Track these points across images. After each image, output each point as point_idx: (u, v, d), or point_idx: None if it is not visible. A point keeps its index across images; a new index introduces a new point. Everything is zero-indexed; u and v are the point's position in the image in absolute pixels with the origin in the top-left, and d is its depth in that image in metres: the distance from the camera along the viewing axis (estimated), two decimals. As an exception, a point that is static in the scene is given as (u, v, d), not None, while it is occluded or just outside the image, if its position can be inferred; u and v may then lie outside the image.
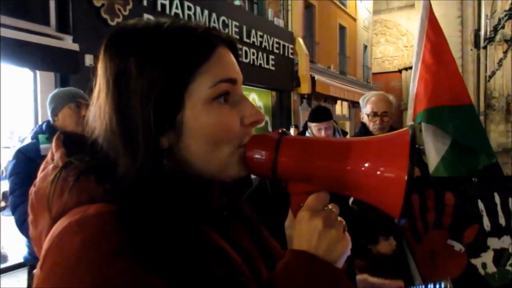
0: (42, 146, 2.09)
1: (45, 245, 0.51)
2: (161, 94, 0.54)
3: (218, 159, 0.59)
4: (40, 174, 0.60)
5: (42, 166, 0.61)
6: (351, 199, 2.21)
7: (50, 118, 2.22)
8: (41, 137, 2.12)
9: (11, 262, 4.63)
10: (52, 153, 0.61)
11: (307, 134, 3.33)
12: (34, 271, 0.51)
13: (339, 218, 0.59)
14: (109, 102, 0.56)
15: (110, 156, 0.57)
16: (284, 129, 0.62)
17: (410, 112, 2.45)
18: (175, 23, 0.59)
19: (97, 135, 0.58)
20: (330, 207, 0.59)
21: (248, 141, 0.61)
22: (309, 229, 0.56)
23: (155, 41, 0.56)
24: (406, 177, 0.51)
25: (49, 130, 2.18)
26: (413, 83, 2.45)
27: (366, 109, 2.53)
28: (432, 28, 2.44)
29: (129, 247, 0.48)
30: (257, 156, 0.59)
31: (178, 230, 0.53)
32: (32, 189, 0.59)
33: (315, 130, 3.25)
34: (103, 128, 0.57)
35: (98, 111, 0.58)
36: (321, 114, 3.28)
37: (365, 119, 2.55)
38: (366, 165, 0.54)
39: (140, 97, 0.54)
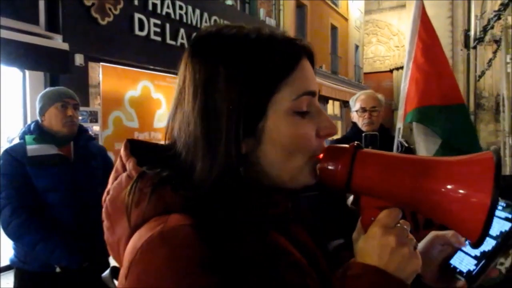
0: (28, 147, 2.05)
1: (128, 256, 0.53)
2: (247, 102, 0.57)
3: (292, 168, 0.61)
4: (112, 183, 0.62)
5: (113, 175, 0.63)
6: (351, 198, 2.21)
7: (38, 118, 2.19)
8: (27, 137, 2.09)
9: (2, 263, 4.57)
10: (122, 162, 0.62)
11: None
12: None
13: (410, 236, 0.59)
14: (196, 107, 0.58)
15: (187, 163, 0.58)
16: (359, 143, 0.62)
17: (400, 112, 2.45)
18: (262, 32, 0.61)
19: (177, 142, 0.61)
20: (401, 224, 0.59)
21: (323, 152, 0.62)
22: (381, 245, 0.56)
23: (244, 50, 0.58)
24: (489, 203, 0.49)
25: (37, 130, 2.15)
26: (404, 83, 2.46)
27: (355, 107, 2.55)
28: (424, 27, 2.45)
29: (209, 259, 0.50)
30: (331, 168, 0.60)
31: (253, 237, 0.55)
32: (106, 197, 0.61)
33: None
34: (186, 134, 0.59)
35: (182, 121, 0.60)
36: None
37: (355, 117, 2.57)
38: (448, 186, 0.53)
39: (227, 103, 0.56)
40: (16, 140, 2.21)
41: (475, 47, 12.93)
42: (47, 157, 2.06)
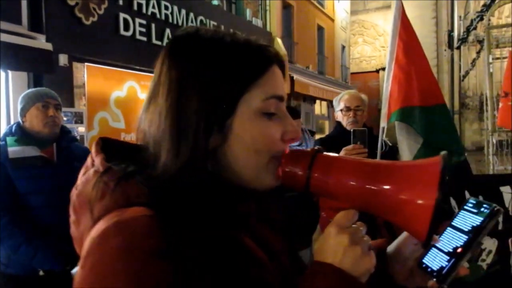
0: (10, 149, 2.02)
1: (86, 246, 0.54)
2: (218, 99, 0.60)
3: (255, 167, 0.64)
4: (81, 178, 0.64)
5: (82, 171, 0.65)
6: None
7: (19, 119, 2.15)
8: (9, 139, 2.06)
9: None
10: (92, 158, 0.64)
11: None
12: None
13: (366, 237, 0.61)
14: (169, 100, 0.61)
15: (153, 156, 0.61)
16: (319, 147, 0.66)
17: (384, 111, 2.48)
18: (237, 37, 0.66)
19: (149, 137, 0.63)
20: (358, 225, 0.61)
21: (284, 155, 0.65)
22: (335, 244, 0.59)
23: (219, 52, 0.62)
24: (433, 205, 0.53)
25: (19, 131, 2.12)
26: (387, 82, 2.48)
27: (339, 107, 2.57)
28: (404, 28, 2.48)
29: (164, 248, 0.51)
30: (291, 170, 0.64)
31: (213, 231, 0.57)
32: (74, 192, 0.64)
33: None
34: (156, 125, 0.61)
35: (154, 113, 0.62)
36: (290, 113, 3.30)
37: (339, 116, 2.59)
38: (396, 189, 0.57)
39: (199, 98, 0.60)
40: (-1, 142, 2.17)
41: (458, 48, 13.12)
42: (29, 159, 2.03)
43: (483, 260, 1.66)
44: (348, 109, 2.51)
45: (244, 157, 0.63)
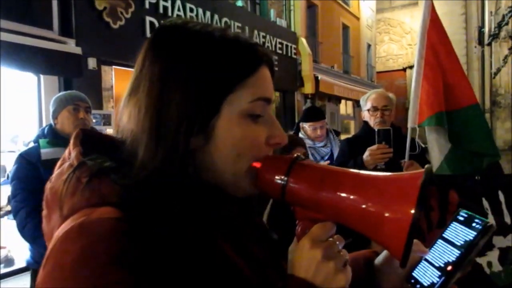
0: (42, 151, 2.08)
1: (50, 245, 0.52)
2: (203, 97, 0.57)
3: (236, 170, 0.60)
4: (56, 171, 0.60)
5: (59, 163, 0.61)
6: None
7: (51, 121, 2.22)
8: (41, 141, 2.12)
9: (17, 265, 4.65)
10: (69, 150, 0.61)
11: (300, 135, 3.30)
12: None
13: (342, 251, 0.58)
14: (149, 98, 0.57)
15: (131, 152, 0.57)
16: (299, 154, 0.62)
17: (413, 112, 2.38)
18: (226, 33, 0.61)
19: (127, 132, 0.59)
20: (334, 239, 0.58)
21: (262, 160, 0.61)
22: (308, 259, 0.56)
23: (207, 48, 0.58)
24: (409, 223, 0.49)
25: (51, 133, 2.18)
26: (416, 82, 2.41)
27: (366, 106, 2.52)
28: (434, 27, 2.41)
29: (127, 256, 0.48)
30: (268, 176, 0.60)
31: (185, 236, 0.54)
32: (48, 185, 0.60)
33: (309, 130, 3.23)
34: (135, 120, 0.58)
35: (134, 107, 0.59)
36: (315, 114, 3.28)
37: (366, 116, 2.54)
38: (372, 203, 0.53)
39: (182, 96, 0.56)
40: (32, 144, 2.25)
41: (489, 44, 12.73)
42: (61, 160, 2.09)
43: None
44: (375, 109, 2.46)
45: (226, 160, 0.59)
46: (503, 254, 1.60)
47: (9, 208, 5.01)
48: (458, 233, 0.65)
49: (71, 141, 0.62)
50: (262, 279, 0.61)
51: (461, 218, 0.68)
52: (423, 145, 2.44)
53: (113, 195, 0.54)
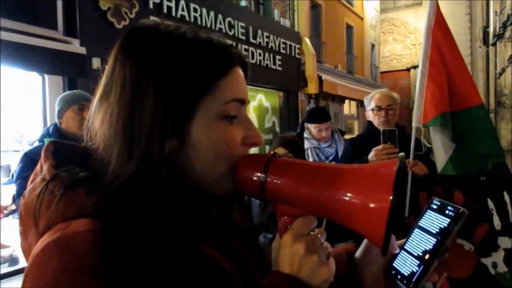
0: (48, 149, 2.09)
1: (28, 263, 0.51)
2: (176, 101, 0.56)
3: (213, 172, 0.60)
4: (29, 186, 0.59)
5: (31, 178, 0.60)
6: None
7: (56, 121, 2.23)
8: (46, 140, 2.13)
9: (21, 264, 4.67)
10: (41, 164, 0.59)
11: (305, 135, 3.30)
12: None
13: (325, 244, 0.59)
14: (122, 100, 0.56)
15: (104, 160, 0.56)
16: (276, 152, 0.63)
17: (418, 112, 2.37)
18: (198, 33, 0.60)
19: (99, 138, 0.58)
20: (316, 232, 0.59)
21: (240, 159, 0.61)
22: (291, 254, 0.56)
23: (178, 49, 0.57)
24: (388, 209, 0.49)
25: (56, 133, 2.19)
26: (421, 82, 2.40)
27: (370, 106, 2.51)
28: (439, 27, 2.40)
29: (106, 269, 0.47)
30: (247, 175, 0.60)
31: (165, 241, 0.53)
32: (22, 201, 0.58)
33: (314, 131, 3.22)
34: (107, 126, 0.57)
35: (106, 112, 0.58)
36: (321, 115, 3.27)
37: (370, 116, 2.54)
38: (351, 194, 0.53)
39: (155, 100, 0.55)
40: (37, 143, 2.26)
41: (494, 44, 12.67)
42: (66, 159, 2.10)
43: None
44: (379, 108, 2.46)
45: (203, 162, 0.59)
46: (508, 255, 1.59)
47: (14, 207, 5.04)
48: (433, 221, 0.67)
49: (42, 154, 0.60)
50: (247, 279, 0.61)
51: (435, 206, 0.70)
52: (428, 145, 2.44)
53: (89, 206, 0.53)
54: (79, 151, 0.62)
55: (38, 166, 0.60)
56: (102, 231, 0.50)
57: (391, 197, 0.50)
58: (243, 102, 0.62)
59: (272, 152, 0.62)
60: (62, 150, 0.62)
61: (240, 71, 0.63)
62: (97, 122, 0.59)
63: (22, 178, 2.07)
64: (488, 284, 1.61)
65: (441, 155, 2.32)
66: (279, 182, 0.58)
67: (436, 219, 0.66)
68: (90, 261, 0.47)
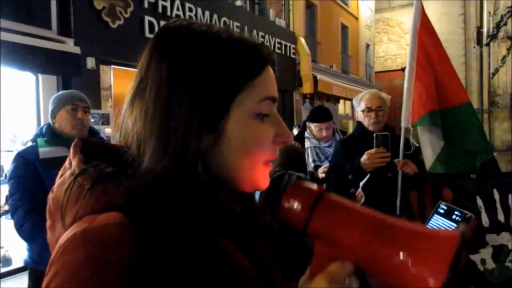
0: (40, 150, 2.09)
1: (53, 253, 0.51)
2: (212, 98, 0.57)
3: (245, 170, 0.61)
4: (58, 180, 0.60)
5: (60, 173, 0.61)
6: (359, 190, 2.20)
7: (49, 121, 2.23)
8: (39, 140, 2.12)
9: (14, 265, 4.65)
10: (70, 159, 0.60)
11: (306, 134, 3.31)
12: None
13: None
14: (157, 101, 0.56)
15: (137, 156, 0.57)
16: (328, 186, 0.60)
17: (407, 112, 2.39)
18: (232, 33, 0.61)
19: (133, 134, 0.59)
20: (351, 280, 0.57)
21: (289, 188, 0.61)
22: None
23: (214, 48, 0.58)
24: (439, 287, 0.47)
25: (49, 133, 2.18)
26: (408, 83, 2.43)
27: (360, 107, 2.53)
28: (424, 28, 2.43)
29: (132, 263, 0.47)
30: (292, 206, 0.58)
31: (192, 239, 0.53)
32: (50, 195, 0.59)
33: (315, 130, 3.24)
34: (142, 123, 0.57)
35: (141, 111, 0.58)
36: (322, 115, 3.27)
37: (360, 116, 2.55)
38: (402, 256, 0.50)
39: (191, 98, 0.56)
40: (30, 144, 2.25)
41: (488, 44, 12.76)
42: (59, 159, 2.09)
43: (511, 261, 1.62)
44: (369, 109, 2.47)
45: (236, 159, 0.60)
46: (496, 252, 1.61)
47: (7, 207, 5.01)
48: (440, 225, 0.66)
49: (71, 150, 0.61)
50: (266, 278, 0.61)
51: (442, 211, 0.68)
52: (417, 144, 2.46)
53: (118, 200, 0.53)
54: (106, 148, 0.64)
55: (67, 162, 0.61)
56: (130, 225, 0.50)
57: (445, 275, 0.47)
58: (275, 100, 0.64)
59: (324, 186, 0.60)
60: (89, 147, 0.63)
61: (271, 70, 0.64)
62: (131, 120, 0.60)
63: (15, 178, 2.06)
64: (477, 280, 1.63)
65: (429, 154, 2.34)
66: (325, 222, 0.56)
67: (443, 223, 0.66)
68: (116, 254, 0.47)
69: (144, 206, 0.52)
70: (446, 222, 0.65)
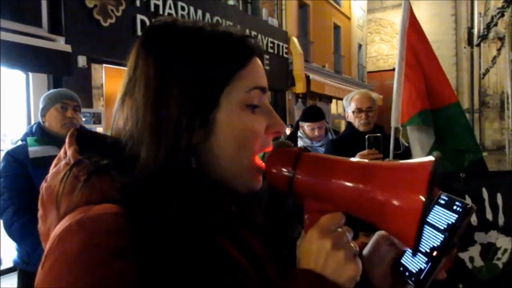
0: (30, 149, 2.07)
1: (48, 244, 0.51)
2: (201, 92, 0.57)
3: (239, 162, 0.61)
4: (52, 170, 0.60)
5: (54, 162, 0.61)
6: None
7: (39, 119, 2.21)
8: (29, 139, 2.11)
9: (4, 265, 4.61)
10: (65, 149, 0.60)
11: (299, 133, 3.33)
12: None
13: (352, 243, 0.57)
14: (146, 98, 0.57)
15: (132, 152, 0.57)
16: (305, 146, 0.62)
17: (397, 112, 2.41)
18: (217, 27, 0.62)
19: (126, 133, 0.59)
20: (343, 229, 0.57)
21: (268, 153, 0.62)
22: (317, 249, 0.55)
23: (200, 44, 0.59)
24: (420, 210, 0.49)
25: (39, 131, 2.17)
26: (398, 83, 2.44)
27: (350, 107, 2.55)
28: (413, 28, 2.45)
29: (129, 248, 0.48)
30: (275, 169, 0.60)
31: (186, 232, 0.53)
32: (43, 185, 0.59)
33: (308, 129, 3.26)
34: (134, 121, 0.58)
35: (131, 109, 0.59)
36: (314, 114, 3.30)
37: (350, 117, 2.57)
38: (383, 191, 0.53)
39: (180, 93, 0.56)
40: (20, 143, 2.23)
41: (478, 45, 12.88)
42: (49, 158, 2.07)
43: (499, 259, 1.64)
44: (359, 110, 2.49)
45: (229, 151, 0.60)
46: (484, 250, 1.64)
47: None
48: (441, 216, 0.66)
49: (67, 140, 0.61)
50: (265, 278, 0.60)
51: (442, 202, 0.68)
52: (406, 144, 2.49)
53: (114, 192, 0.53)
54: (101, 140, 0.63)
55: (62, 151, 0.61)
56: (125, 215, 0.50)
57: (424, 199, 0.48)
58: (264, 90, 0.64)
59: (302, 147, 0.61)
60: (85, 137, 0.63)
61: (258, 61, 0.64)
62: (122, 119, 0.60)
63: (4, 177, 2.04)
64: (466, 277, 1.65)
65: (418, 154, 2.37)
66: (308, 177, 0.58)
67: (444, 214, 0.64)
68: (112, 241, 0.47)
69: (139, 200, 0.52)
70: (447, 213, 0.66)
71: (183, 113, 0.56)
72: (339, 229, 0.57)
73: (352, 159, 0.60)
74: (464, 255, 1.66)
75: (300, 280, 0.55)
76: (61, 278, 0.45)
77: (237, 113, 0.60)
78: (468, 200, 1.75)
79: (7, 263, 4.52)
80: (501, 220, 1.68)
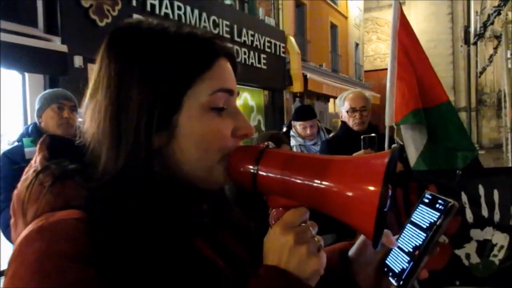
0: (26, 150, 2.06)
1: (12, 251, 0.51)
2: (162, 94, 0.56)
3: (205, 166, 0.60)
4: (23, 177, 0.60)
5: (26, 169, 0.61)
6: None
7: (36, 120, 2.20)
8: (25, 140, 2.10)
9: (3, 266, 4.59)
10: (35, 156, 0.60)
11: (291, 133, 3.35)
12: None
13: (317, 237, 0.57)
14: (108, 97, 0.57)
15: (95, 155, 0.57)
16: (269, 143, 0.62)
17: (391, 111, 2.41)
18: (182, 28, 0.61)
19: (89, 136, 0.59)
20: (307, 224, 0.58)
21: (232, 151, 0.61)
22: (280, 245, 0.55)
23: (162, 44, 0.58)
24: (377, 201, 0.49)
25: (35, 132, 2.16)
26: (390, 82, 2.45)
27: (344, 107, 2.57)
28: (403, 28, 2.46)
29: (89, 253, 0.48)
30: (238, 167, 0.59)
31: (151, 235, 0.53)
32: (14, 192, 0.59)
33: (300, 128, 3.28)
34: (95, 123, 0.58)
35: (94, 110, 0.59)
36: (306, 113, 3.33)
37: (344, 116, 2.59)
38: (341, 184, 0.53)
39: (140, 95, 0.55)
40: (16, 143, 2.23)
41: (475, 43, 12.91)
42: (45, 158, 2.07)
43: (495, 256, 1.65)
44: (353, 110, 2.51)
45: (193, 155, 0.59)
46: (480, 247, 1.64)
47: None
48: (424, 215, 0.65)
49: (37, 147, 0.61)
50: (239, 274, 0.60)
51: (426, 200, 0.68)
52: (401, 143, 2.50)
53: (77, 198, 0.53)
54: (75, 146, 0.63)
55: (34, 159, 0.61)
56: (87, 220, 0.50)
57: (381, 190, 0.49)
58: (231, 92, 0.62)
59: (266, 143, 0.61)
60: (57, 143, 0.62)
61: (225, 62, 0.63)
62: (87, 120, 0.60)
63: (1, 178, 2.03)
64: (463, 274, 1.65)
65: (412, 152, 2.37)
66: (271, 173, 0.57)
67: (427, 213, 0.64)
68: (73, 246, 0.47)
69: (100, 206, 0.53)
70: (430, 212, 0.65)
71: (142, 116, 0.55)
72: (303, 224, 0.57)
73: (314, 153, 0.59)
74: (461, 252, 1.67)
75: (264, 276, 0.55)
76: (23, 286, 0.46)
77: (200, 116, 0.58)
78: (464, 197, 1.77)
79: (5, 265, 4.51)
80: (496, 216, 1.68)
